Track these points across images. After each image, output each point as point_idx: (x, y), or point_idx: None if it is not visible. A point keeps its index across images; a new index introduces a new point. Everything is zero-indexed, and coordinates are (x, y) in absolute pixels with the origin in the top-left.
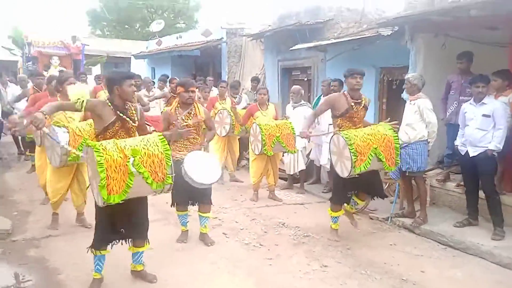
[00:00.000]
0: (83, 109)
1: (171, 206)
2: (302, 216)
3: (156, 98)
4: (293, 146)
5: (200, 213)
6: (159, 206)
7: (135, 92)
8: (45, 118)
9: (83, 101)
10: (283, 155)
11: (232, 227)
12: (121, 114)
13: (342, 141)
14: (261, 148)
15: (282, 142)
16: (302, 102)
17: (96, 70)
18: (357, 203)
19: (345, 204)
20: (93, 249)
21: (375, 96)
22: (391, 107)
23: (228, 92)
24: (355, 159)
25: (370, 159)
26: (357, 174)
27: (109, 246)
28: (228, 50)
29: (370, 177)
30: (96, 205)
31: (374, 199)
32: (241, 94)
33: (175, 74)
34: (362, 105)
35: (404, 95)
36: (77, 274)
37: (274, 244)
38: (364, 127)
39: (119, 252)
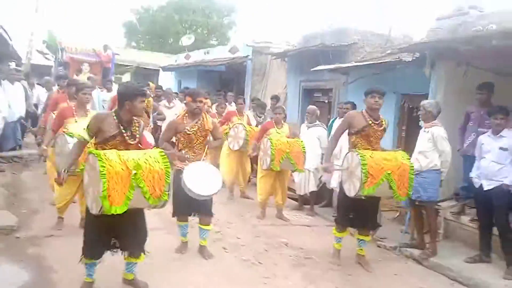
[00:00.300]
0: (89, 135)
1: (172, 216)
2: (307, 238)
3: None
4: (301, 165)
5: (200, 225)
6: (164, 215)
7: (151, 101)
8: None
9: (86, 129)
10: (291, 174)
11: (233, 242)
12: (123, 130)
13: (356, 159)
14: (269, 163)
15: (291, 159)
16: (317, 122)
17: (126, 78)
18: (363, 241)
19: (357, 248)
20: (83, 257)
21: (395, 123)
22: (411, 134)
23: (252, 110)
24: (365, 180)
25: (380, 183)
26: (364, 196)
27: (101, 255)
28: (253, 67)
29: (370, 206)
30: (87, 214)
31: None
32: (266, 114)
33: (200, 88)
34: (381, 126)
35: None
36: (71, 275)
37: (273, 263)
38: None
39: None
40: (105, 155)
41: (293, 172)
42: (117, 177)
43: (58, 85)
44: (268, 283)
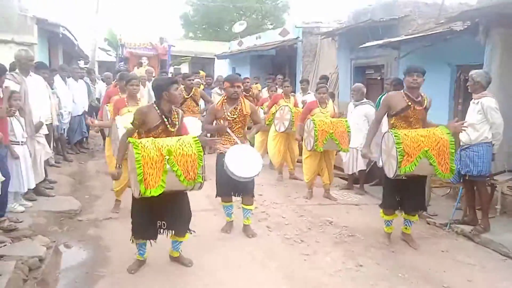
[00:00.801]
0: (134, 128)
1: (216, 197)
2: (354, 217)
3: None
4: (346, 145)
5: (243, 205)
6: (213, 197)
7: (198, 90)
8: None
9: (132, 123)
10: (336, 153)
11: (278, 221)
12: (165, 119)
13: (391, 139)
14: (313, 144)
15: (335, 139)
16: (364, 100)
17: (184, 69)
18: (408, 220)
19: (402, 226)
20: (132, 238)
21: (450, 96)
22: (468, 107)
23: (301, 92)
24: (401, 159)
25: (417, 161)
26: (404, 176)
27: (148, 236)
28: (304, 49)
29: (415, 185)
30: (133, 197)
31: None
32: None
33: (253, 73)
34: (423, 105)
35: None
36: (124, 253)
37: (315, 241)
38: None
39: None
40: (141, 143)
41: (338, 152)
42: (151, 163)
43: (115, 80)
44: (307, 259)
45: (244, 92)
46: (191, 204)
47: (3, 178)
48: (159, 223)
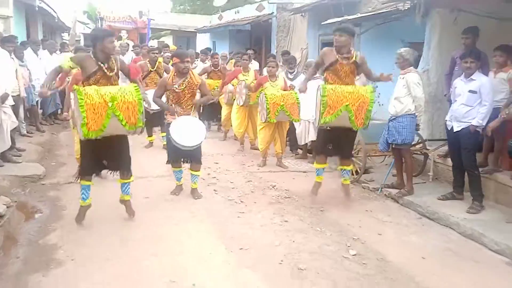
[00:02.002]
0: (71, 65)
1: (166, 163)
2: (298, 182)
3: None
4: (296, 115)
5: (191, 171)
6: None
7: (162, 63)
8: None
9: (70, 61)
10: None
11: (225, 186)
12: (101, 64)
13: (320, 92)
14: (266, 116)
15: (286, 111)
16: (317, 75)
17: (169, 42)
18: (344, 170)
19: (342, 178)
20: (78, 178)
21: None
22: None
23: (282, 65)
24: (323, 110)
25: (338, 114)
26: (328, 127)
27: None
28: (278, 24)
29: (344, 138)
30: (80, 141)
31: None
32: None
33: (232, 47)
34: (350, 60)
35: (419, 70)
36: (77, 211)
37: (253, 202)
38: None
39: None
40: (85, 90)
41: (293, 122)
42: (94, 108)
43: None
44: (241, 217)
45: (213, 67)
46: (151, 168)
47: None
48: (104, 162)
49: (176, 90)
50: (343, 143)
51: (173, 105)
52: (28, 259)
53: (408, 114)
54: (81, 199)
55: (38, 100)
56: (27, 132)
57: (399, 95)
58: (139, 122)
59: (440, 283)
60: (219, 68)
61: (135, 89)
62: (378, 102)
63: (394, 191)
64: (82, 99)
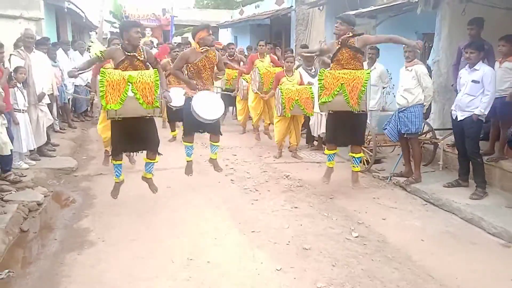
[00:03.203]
0: (97, 58)
1: (182, 136)
2: (311, 172)
3: None
4: (310, 109)
5: (211, 142)
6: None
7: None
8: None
9: (101, 52)
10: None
11: (241, 176)
12: (128, 53)
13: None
14: (282, 110)
15: (300, 105)
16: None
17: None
18: (354, 158)
19: (351, 165)
20: (111, 158)
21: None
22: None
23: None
24: (321, 92)
25: (335, 94)
26: (330, 110)
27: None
28: (297, 18)
29: (350, 123)
30: (111, 124)
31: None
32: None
33: (253, 42)
34: (348, 46)
35: (429, 61)
36: (106, 200)
37: (267, 190)
38: None
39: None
40: (107, 71)
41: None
42: (113, 84)
43: None
44: (254, 203)
45: (228, 57)
46: (174, 160)
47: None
48: (134, 143)
49: (199, 64)
50: (350, 128)
51: (192, 80)
52: (65, 240)
53: (419, 104)
54: (114, 176)
55: (69, 99)
56: (60, 129)
57: (409, 86)
58: (155, 102)
59: (435, 262)
60: (233, 58)
61: (154, 73)
62: (393, 94)
63: (402, 179)
64: (103, 76)
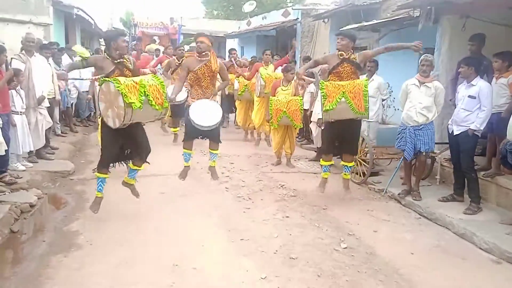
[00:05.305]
0: (85, 64)
1: (182, 141)
2: (307, 183)
3: None
4: (298, 121)
5: (210, 150)
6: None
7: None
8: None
9: (85, 58)
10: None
11: (236, 184)
12: (117, 63)
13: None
14: (269, 119)
15: (288, 116)
16: None
17: None
18: (346, 166)
19: (343, 173)
20: (97, 171)
21: None
22: None
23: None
24: (324, 101)
25: (338, 101)
26: (332, 119)
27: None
28: (302, 30)
29: (348, 133)
30: (102, 136)
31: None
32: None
33: (259, 52)
34: (350, 61)
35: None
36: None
37: (260, 199)
38: None
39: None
40: (117, 79)
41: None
42: (130, 88)
43: None
44: (246, 212)
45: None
46: (168, 167)
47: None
48: (125, 151)
49: (198, 73)
50: (347, 138)
51: (192, 87)
52: (53, 242)
53: (433, 121)
54: (97, 190)
55: (72, 103)
56: (62, 133)
57: (428, 104)
58: (165, 102)
59: (422, 276)
60: (236, 61)
61: (154, 76)
62: (394, 107)
63: (397, 192)
64: (118, 83)
